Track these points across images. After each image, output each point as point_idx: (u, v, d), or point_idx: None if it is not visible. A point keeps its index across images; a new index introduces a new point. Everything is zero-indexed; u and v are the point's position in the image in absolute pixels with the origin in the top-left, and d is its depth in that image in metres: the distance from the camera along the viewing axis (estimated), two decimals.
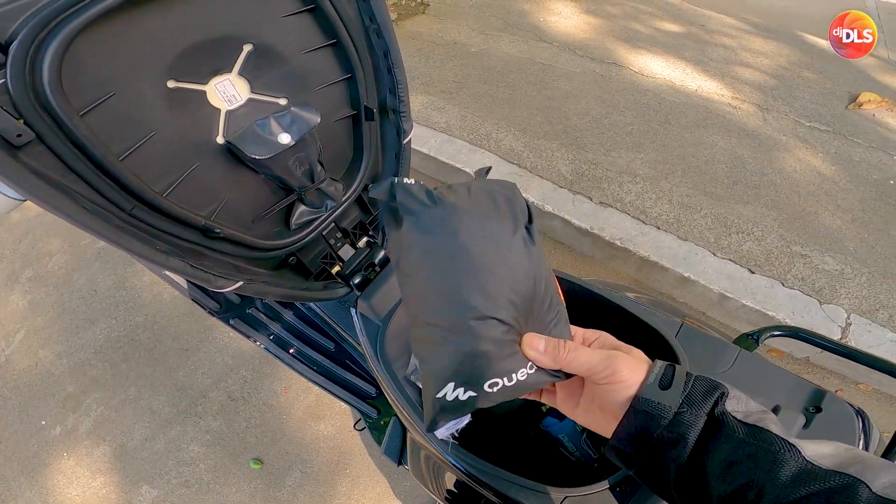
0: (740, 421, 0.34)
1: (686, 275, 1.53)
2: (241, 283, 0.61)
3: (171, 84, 0.56)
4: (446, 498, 0.83)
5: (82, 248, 1.98)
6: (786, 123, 2.09)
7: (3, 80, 0.43)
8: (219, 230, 0.61)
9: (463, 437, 0.71)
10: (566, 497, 0.61)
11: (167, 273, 1.14)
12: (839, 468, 0.30)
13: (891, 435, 0.62)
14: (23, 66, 0.43)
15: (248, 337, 1.22)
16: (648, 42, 2.60)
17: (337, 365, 1.22)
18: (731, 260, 1.56)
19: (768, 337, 0.78)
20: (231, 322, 1.21)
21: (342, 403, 1.46)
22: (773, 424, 0.34)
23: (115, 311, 1.76)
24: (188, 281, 1.16)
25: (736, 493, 0.32)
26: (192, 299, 1.16)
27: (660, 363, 0.39)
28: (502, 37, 2.65)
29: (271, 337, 1.22)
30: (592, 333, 0.44)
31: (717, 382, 0.37)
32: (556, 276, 0.77)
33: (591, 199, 1.75)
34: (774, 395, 0.68)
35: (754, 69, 2.42)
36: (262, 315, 1.22)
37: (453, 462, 0.67)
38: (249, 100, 0.63)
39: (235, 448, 1.42)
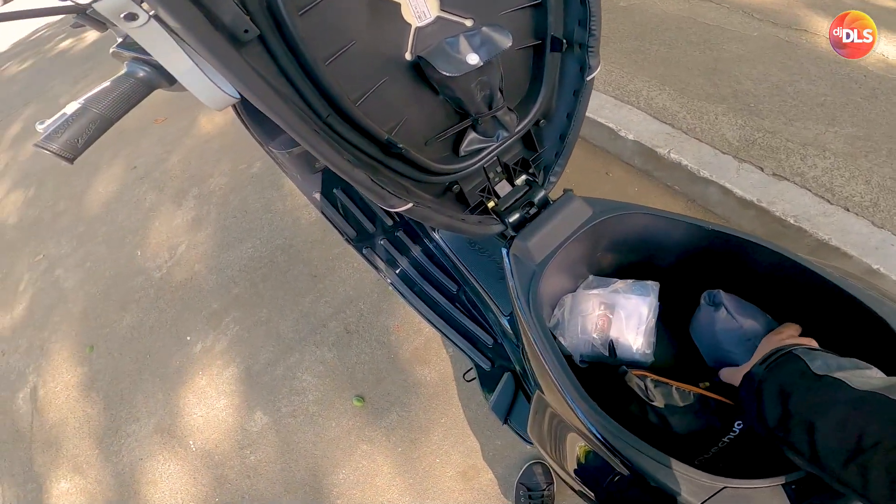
0: (814, 373, 0.47)
1: (875, 266, 1.26)
2: (411, 205, 0.61)
3: None
4: (572, 467, 0.78)
5: (239, 172, 2.21)
6: None
7: None
8: (401, 146, 0.61)
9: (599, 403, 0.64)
10: (724, 488, 0.51)
11: (315, 196, 1.20)
12: (878, 390, 0.40)
13: None
14: None
15: (376, 269, 1.26)
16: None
17: (456, 309, 1.21)
18: None
19: None
20: (363, 251, 1.26)
21: (447, 351, 1.47)
22: (846, 373, 0.45)
23: (260, 232, 1.94)
24: (332, 206, 1.22)
25: (803, 420, 0.45)
26: (333, 224, 1.22)
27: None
28: None
29: (398, 271, 1.24)
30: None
31: (795, 349, 0.53)
32: (761, 246, 0.65)
33: (762, 170, 1.50)
34: None
35: None
36: (391, 248, 1.25)
37: (593, 428, 0.61)
38: (438, 18, 0.61)
39: (343, 383, 1.48)
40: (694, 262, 0.76)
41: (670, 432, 0.65)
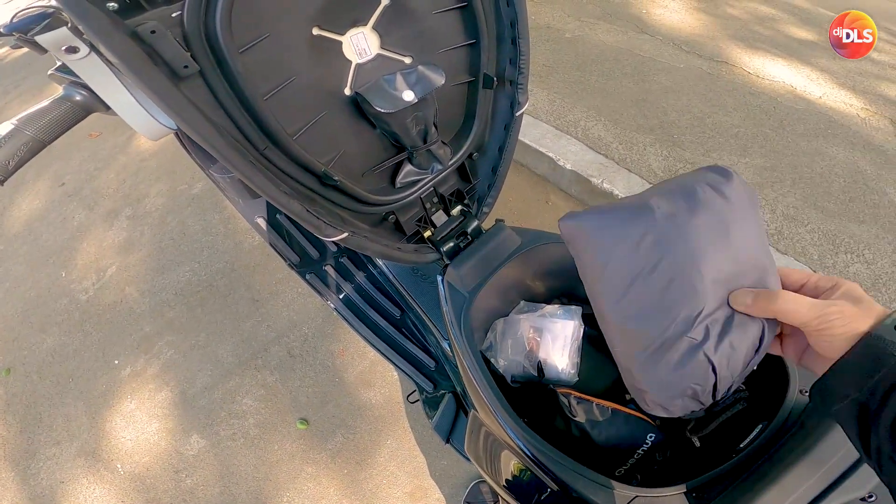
0: None
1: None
2: (346, 235, 0.62)
3: (315, 31, 0.56)
4: (505, 482, 0.80)
5: (178, 193, 2.12)
6: None
7: (179, 13, 0.44)
8: (337, 178, 0.62)
9: (530, 420, 0.68)
10: (636, 497, 0.56)
11: (258, 221, 1.19)
12: None
13: None
14: (199, 1, 0.44)
15: (320, 294, 1.25)
16: (769, 44, 2.37)
17: (400, 333, 1.22)
18: None
19: None
20: (307, 277, 1.24)
21: (392, 374, 1.47)
22: None
23: (200, 255, 1.87)
24: (275, 231, 1.21)
25: None
26: (276, 250, 1.21)
27: None
28: (599, 25, 2.53)
29: (342, 297, 1.24)
30: (828, 280, 0.39)
31: None
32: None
33: None
34: None
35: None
36: (335, 274, 1.24)
37: (521, 445, 0.64)
38: (378, 55, 0.64)
39: (286, 406, 1.45)
40: None
41: (592, 445, 0.69)
